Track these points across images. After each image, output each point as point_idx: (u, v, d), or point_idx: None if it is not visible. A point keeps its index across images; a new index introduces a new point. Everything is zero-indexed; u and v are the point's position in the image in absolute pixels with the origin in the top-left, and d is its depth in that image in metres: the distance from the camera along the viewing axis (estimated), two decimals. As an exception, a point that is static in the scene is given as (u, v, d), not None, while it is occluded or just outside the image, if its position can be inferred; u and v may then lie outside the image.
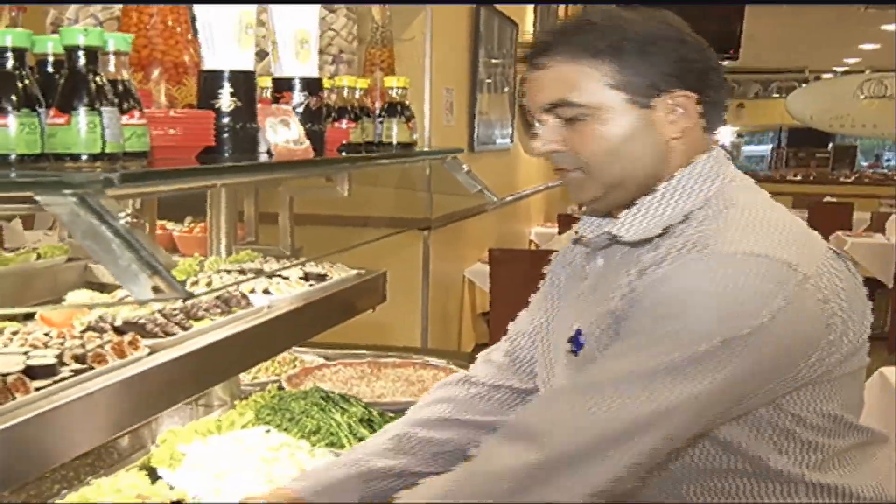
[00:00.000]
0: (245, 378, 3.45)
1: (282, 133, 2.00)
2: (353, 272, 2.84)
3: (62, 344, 1.79)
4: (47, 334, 1.87)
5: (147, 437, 2.98)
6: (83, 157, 1.33)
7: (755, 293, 1.58)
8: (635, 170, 1.78)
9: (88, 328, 1.94)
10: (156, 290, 1.18)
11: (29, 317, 2.16)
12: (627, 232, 1.78)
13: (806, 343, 1.65)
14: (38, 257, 2.99)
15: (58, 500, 2.31)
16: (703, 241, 1.65)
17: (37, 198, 1.21)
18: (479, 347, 3.62)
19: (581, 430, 1.60)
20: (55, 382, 1.60)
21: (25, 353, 1.69)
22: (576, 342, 1.86)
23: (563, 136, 1.78)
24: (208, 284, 2.34)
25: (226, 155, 1.83)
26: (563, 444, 1.61)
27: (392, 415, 2.99)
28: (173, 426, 2.84)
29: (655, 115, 1.76)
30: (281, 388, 3.16)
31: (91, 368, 1.69)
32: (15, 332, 1.88)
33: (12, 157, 1.36)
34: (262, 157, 1.96)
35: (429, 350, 4.08)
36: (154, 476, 2.55)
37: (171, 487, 2.45)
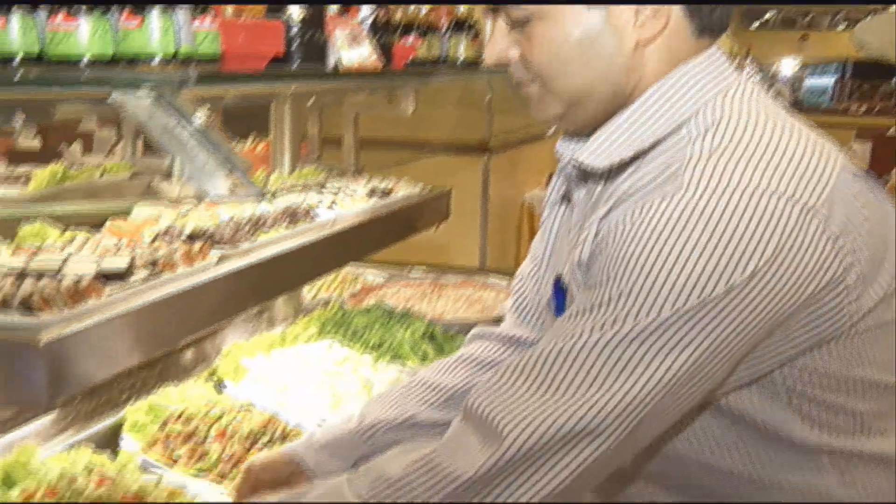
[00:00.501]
0: (307, 295, 3.48)
1: (350, 45, 1.99)
2: (418, 188, 2.83)
3: (132, 251, 1.80)
4: (117, 242, 1.89)
5: (211, 351, 3.03)
6: (156, 60, 1.33)
7: (740, 239, 1.30)
8: (597, 82, 1.49)
9: (157, 237, 1.96)
10: (232, 189, 1.19)
11: (97, 228, 2.18)
12: (593, 158, 1.51)
13: (810, 291, 1.35)
14: (103, 174, 3.03)
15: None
16: (677, 173, 1.37)
17: (113, 95, 1.22)
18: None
19: (541, 426, 1.35)
20: (127, 287, 1.62)
21: (97, 259, 1.71)
22: (556, 294, 1.62)
23: (514, 42, 1.52)
24: (264, 196, 2.36)
25: (294, 66, 1.82)
26: (522, 443, 1.35)
27: (453, 333, 3.01)
28: (237, 340, 2.88)
29: (617, 15, 1.45)
30: (342, 305, 3.19)
31: (161, 274, 1.71)
32: (85, 241, 1.90)
33: (85, 60, 1.37)
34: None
35: (490, 270, 4.08)
36: (219, 388, 2.59)
37: (236, 399, 2.49)
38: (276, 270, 2.02)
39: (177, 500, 1.91)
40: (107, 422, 2.36)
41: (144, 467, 2.10)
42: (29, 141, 3.65)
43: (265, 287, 2.00)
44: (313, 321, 2.99)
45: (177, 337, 1.70)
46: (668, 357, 1.33)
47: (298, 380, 2.51)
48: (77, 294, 1.52)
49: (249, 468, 1.89)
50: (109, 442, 2.27)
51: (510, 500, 1.37)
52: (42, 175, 2.83)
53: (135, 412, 2.31)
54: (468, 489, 1.38)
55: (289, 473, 1.85)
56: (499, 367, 1.50)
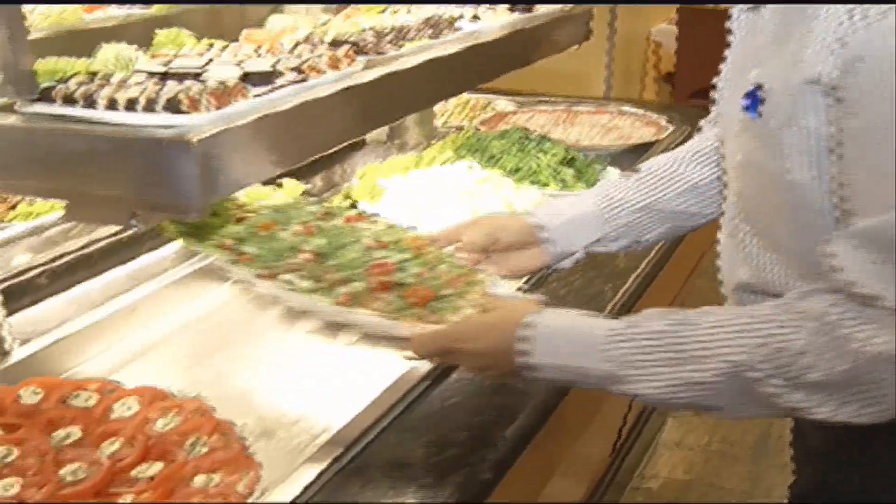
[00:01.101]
0: (437, 122, 3.38)
1: None
2: (559, 5, 2.67)
3: (276, 56, 1.71)
4: (257, 49, 1.80)
5: (340, 179, 2.96)
6: None
7: None
8: None
9: (298, 44, 1.86)
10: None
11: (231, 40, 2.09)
12: None
13: None
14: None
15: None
16: None
17: None
18: (663, 107, 3.45)
19: None
20: (273, 88, 1.53)
21: (240, 63, 1.62)
22: (752, 101, 1.42)
23: None
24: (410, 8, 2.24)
25: None
26: None
27: (591, 159, 2.89)
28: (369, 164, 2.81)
29: None
30: (476, 131, 3.08)
31: (307, 79, 1.61)
32: (224, 48, 1.82)
33: None
34: None
35: (623, 100, 3.92)
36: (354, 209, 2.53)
37: (374, 220, 2.42)
38: (423, 79, 1.91)
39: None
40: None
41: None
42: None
43: (411, 96, 1.90)
44: (448, 145, 2.88)
45: (325, 143, 1.61)
46: None
47: (437, 200, 2.42)
48: (223, 95, 1.43)
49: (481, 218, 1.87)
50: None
51: None
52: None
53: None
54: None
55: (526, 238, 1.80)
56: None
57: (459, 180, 2.50)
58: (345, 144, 1.89)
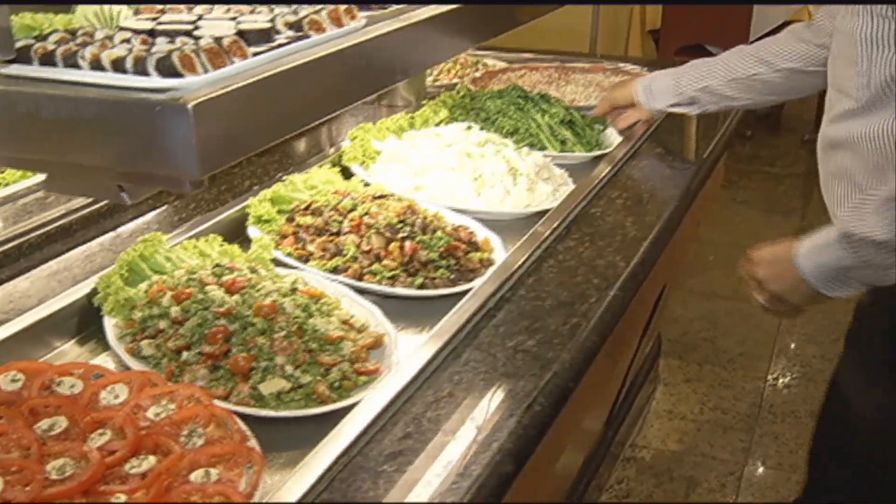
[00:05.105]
0: (426, 80, 3.25)
1: None
2: (559, -41, 2.55)
3: (272, 11, 1.58)
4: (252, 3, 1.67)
5: (326, 140, 2.83)
6: None
7: None
8: None
9: (295, -2, 1.73)
10: None
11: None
12: None
13: None
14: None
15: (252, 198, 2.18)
16: None
17: None
18: (652, 64, 3.34)
19: None
20: (274, 47, 1.40)
21: (234, 19, 1.49)
22: None
23: None
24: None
25: None
26: None
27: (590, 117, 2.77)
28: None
29: None
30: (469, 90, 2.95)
31: (308, 36, 1.48)
32: (214, 2, 1.68)
33: None
34: None
35: (613, 57, 3.79)
36: (347, 174, 2.40)
37: (367, 184, 2.29)
38: (426, 37, 1.79)
39: (320, 307, 1.73)
40: (229, 212, 2.18)
41: (275, 265, 1.93)
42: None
43: (414, 55, 1.77)
44: (441, 105, 2.75)
45: (328, 106, 1.49)
46: None
47: (436, 162, 2.30)
48: (219, 54, 1.31)
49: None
50: (236, 234, 2.11)
51: None
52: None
53: (259, 204, 2.12)
54: None
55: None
56: None
57: (458, 142, 2.38)
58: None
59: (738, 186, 6.29)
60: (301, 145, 2.74)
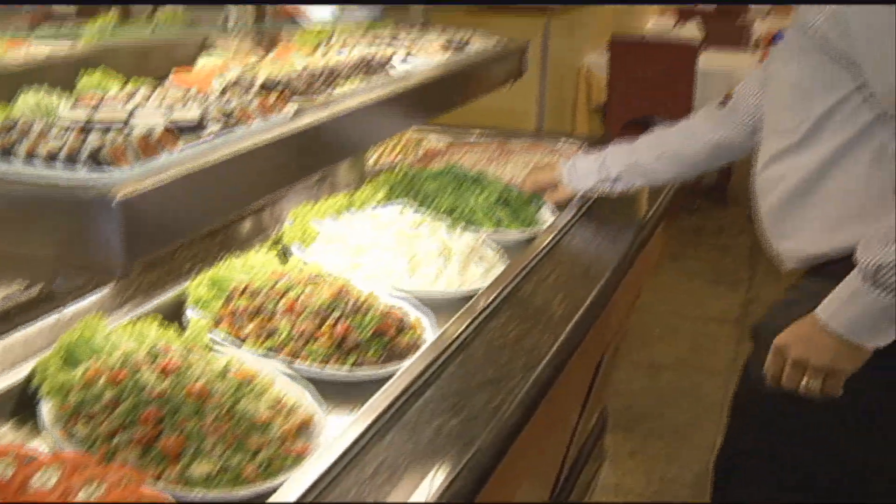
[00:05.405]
0: (369, 160, 3.32)
1: None
2: (493, 41, 2.64)
3: (205, 101, 1.64)
4: (186, 93, 1.73)
5: (271, 222, 2.88)
6: None
7: None
8: None
9: (228, 88, 1.80)
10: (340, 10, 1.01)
11: (159, 80, 2.02)
12: None
13: None
14: (155, 27, 2.84)
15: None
16: None
17: None
18: (597, 140, 3.43)
19: None
20: (202, 139, 1.46)
21: (167, 110, 1.55)
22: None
23: None
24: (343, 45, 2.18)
25: None
26: None
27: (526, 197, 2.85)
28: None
29: None
30: (409, 169, 3.02)
31: (237, 127, 1.54)
32: (150, 92, 1.74)
33: None
34: None
35: (556, 133, 3.89)
36: (286, 255, 2.45)
37: (305, 264, 2.34)
38: (355, 124, 1.85)
39: (252, 389, 1.77)
40: (171, 293, 2.22)
41: (213, 346, 1.97)
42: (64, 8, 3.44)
43: (343, 142, 1.84)
44: (381, 185, 2.82)
45: (256, 193, 1.55)
46: None
47: (373, 243, 2.36)
48: (149, 147, 1.36)
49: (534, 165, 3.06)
50: (175, 315, 2.14)
51: None
52: (92, 28, 2.64)
53: (197, 286, 2.17)
54: None
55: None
56: None
57: (394, 222, 2.44)
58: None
59: (685, 257, 6.40)
60: (244, 226, 2.79)
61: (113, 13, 2.64)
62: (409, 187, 2.78)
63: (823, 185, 2.03)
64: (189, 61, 2.32)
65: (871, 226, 1.87)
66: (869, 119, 1.94)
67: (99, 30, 2.75)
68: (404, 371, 1.80)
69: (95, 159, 1.28)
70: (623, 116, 6.72)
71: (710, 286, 6.03)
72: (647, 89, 6.67)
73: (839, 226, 2.02)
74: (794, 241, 2.13)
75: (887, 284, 1.81)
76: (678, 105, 6.33)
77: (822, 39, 1.94)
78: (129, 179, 1.26)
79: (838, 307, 1.89)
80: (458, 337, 1.93)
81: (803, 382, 1.96)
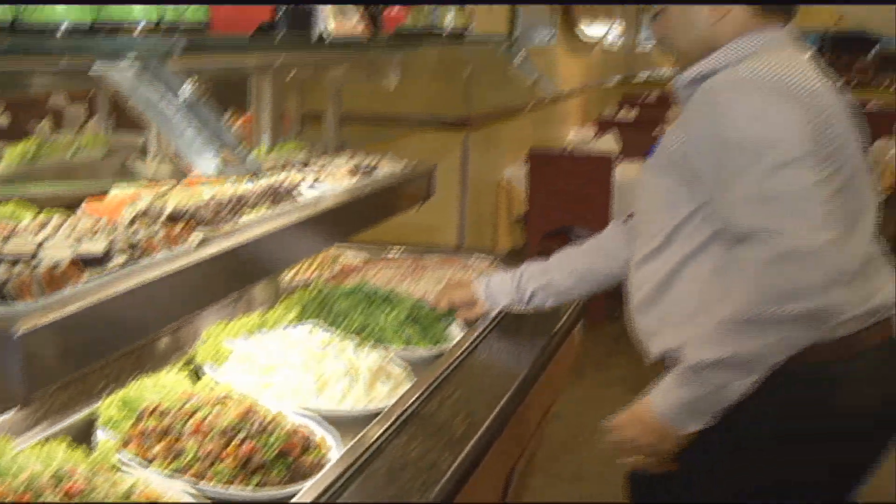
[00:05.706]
0: (286, 277, 3.38)
1: (337, 15, 1.89)
2: (401, 165, 2.74)
3: (111, 234, 1.71)
4: (95, 224, 1.80)
5: (186, 338, 2.92)
6: (139, 27, 1.23)
7: None
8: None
9: (137, 218, 1.87)
10: (222, 167, 1.10)
11: (73, 208, 2.08)
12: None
13: None
14: (76, 151, 2.90)
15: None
16: None
17: (95, 65, 1.12)
18: (514, 253, 3.53)
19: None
20: (106, 272, 1.52)
21: (74, 242, 1.62)
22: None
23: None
24: (256, 174, 2.26)
25: (281, 34, 1.73)
26: None
27: (437, 314, 2.93)
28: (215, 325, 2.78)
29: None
30: (323, 287, 3.09)
31: (142, 258, 1.61)
32: (61, 223, 1.81)
33: (63, 27, 1.26)
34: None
35: (472, 249, 3.99)
36: (198, 374, 2.49)
37: (216, 383, 2.39)
38: (260, 253, 1.93)
39: None
40: (82, 413, 2.25)
41: (120, 466, 2.00)
42: (-5, 119, 3.50)
43: (248, 270, 1.92)
44: (294, 303, 2.89)
45: (159, 323, 1.61)
46: None
47: (283, 362, 2.42)
48: (54, 280, 1.43)
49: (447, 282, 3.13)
50: (85, 435, 2.17)
51: None
52: (13, 153, 2.70)
53: (108, 407, 2.20)
54: None
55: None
56: None
57: (303, 342, 2.51)
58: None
59: (606, 366, 6.48)
60: (160, 344, 2.83)
61: (34, 141, 2.70)
62: (322, 306, 2.85)
63: (674, 288, 2.29)
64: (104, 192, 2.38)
65: (702, 327, 2.13)
66: (708, 234, 2.20)
67: (21, 152, 2.81)
68: (305, 492, 1.85)
69: (1, 293, 1.34)
70: (543, 227, 6.86)
71: (631, 394, 6.05)
72: (566, 201, 6.83)
73: (682, 325, 2.25)
74: (654, 336, 2.38)
75: (704, 379, 2.12)
76: (596, 216, 6.47)
77: (681, 158, 2.21)
78: (32, 313, 1.31)
79: (664, 392, 2.22)
80: (360, 455, 1.99)
81: (634, 458, 2.33)
